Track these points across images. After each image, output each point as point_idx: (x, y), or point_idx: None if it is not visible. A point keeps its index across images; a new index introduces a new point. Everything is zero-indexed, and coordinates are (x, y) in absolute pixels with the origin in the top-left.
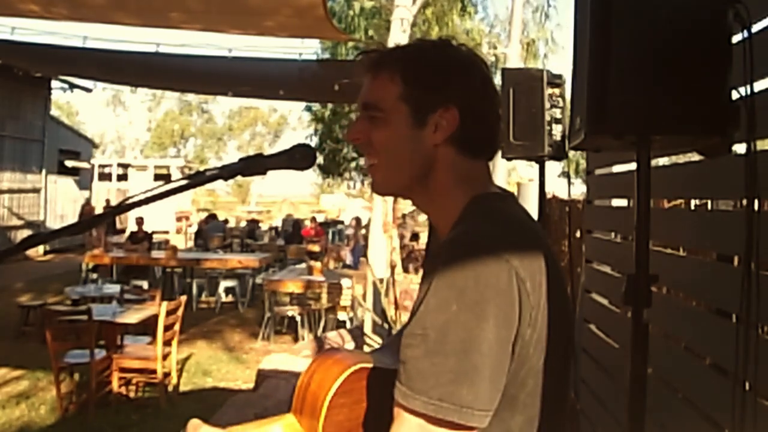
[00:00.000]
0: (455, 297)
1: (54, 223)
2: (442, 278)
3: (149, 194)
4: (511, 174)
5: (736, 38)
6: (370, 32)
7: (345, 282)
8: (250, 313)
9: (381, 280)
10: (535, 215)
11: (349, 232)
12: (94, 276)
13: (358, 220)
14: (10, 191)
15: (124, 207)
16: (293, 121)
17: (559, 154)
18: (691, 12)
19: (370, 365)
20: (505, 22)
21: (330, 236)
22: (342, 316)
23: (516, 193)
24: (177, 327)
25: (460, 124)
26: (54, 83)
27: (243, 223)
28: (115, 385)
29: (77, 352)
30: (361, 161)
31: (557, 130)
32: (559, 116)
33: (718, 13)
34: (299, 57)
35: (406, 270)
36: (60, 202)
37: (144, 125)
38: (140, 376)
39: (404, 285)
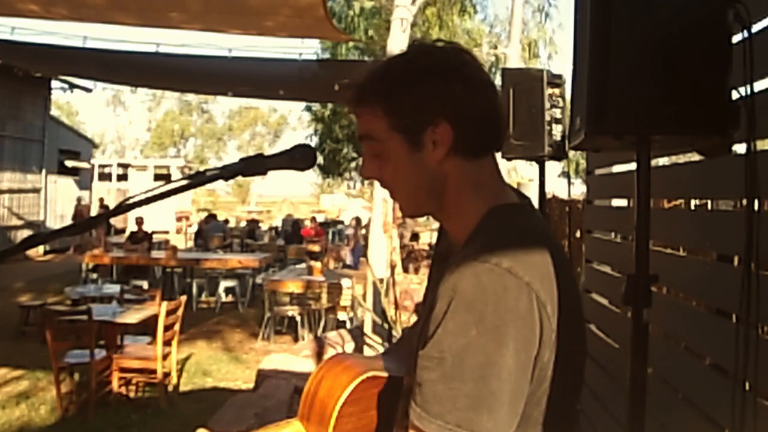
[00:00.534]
0: (474, 321)
1: (54, 223)
2: (460, 299)
3: (149, 194)
4: (511, 174)
5: (736, 38)
6: (370, 32)
7: (345, 282)
8: (250, 313)
9: (381, 280)
10: None
11: (349, 232)
12: (94, 276)
13: (358, 220)
14: (10, 191)
15: (124, 207)
16: (293, 121)
17: (559, 154)
18: (691, 12)
19: (380, 373)
20: (505, 22)
21: (330, 236)
22: (342, 316)
23: None
24: (177, 327)
25: (455, 134)
26: (54, 83)
27: (243, 223)
28: (115, 385)
29: (77, 352)
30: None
31: (557, 130)
32: (559, 116)
33: (718, 13)
34: (299, 57)
35: (406, 270)
36: (60, 202)
37: (144, 125)
38: (140, 376)
39: (404, 285)
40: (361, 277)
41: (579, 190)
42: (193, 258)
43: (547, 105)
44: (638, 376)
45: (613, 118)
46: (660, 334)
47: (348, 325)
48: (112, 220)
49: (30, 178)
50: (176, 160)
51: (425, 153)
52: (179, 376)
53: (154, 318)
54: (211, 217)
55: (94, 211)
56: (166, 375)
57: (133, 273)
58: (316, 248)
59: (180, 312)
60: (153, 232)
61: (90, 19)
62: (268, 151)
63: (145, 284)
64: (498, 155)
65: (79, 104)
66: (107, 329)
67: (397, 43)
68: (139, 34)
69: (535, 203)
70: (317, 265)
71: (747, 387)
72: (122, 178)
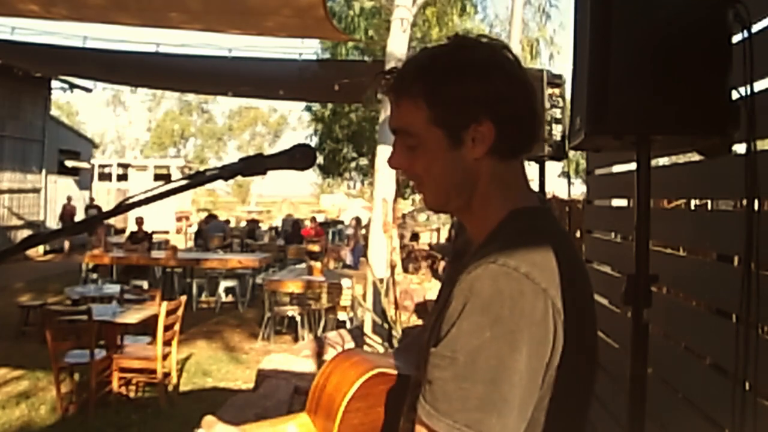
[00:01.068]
0: (489, 324)
1: (54, 223)
2: (476, 301)
3: (149, 194)
4: None
5: (736, 38)
6: (370, 32)
7: (345, 282)
8: (250, 313)
9: (381, 280)
10: None
11: (349, 232)
12: (94, 276)
13: (358, 220)
14: (10, 191)
15: (123, 207)
16: (293, 121)
17: (559, 154)
18: (691, 12)
19: (389, 371)
20: (505, 22)
21: (330, 236)
22: (342, 316)
23: None
24: (177, 327)
25: (497, 134)
26: (54, 83)
27: (243, 223)
28: (115, 385)
29: (77, 352)
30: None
31: (557, 130)
32: (559, 116)
33: (718, 13)
34: (299, 57)
35: (406, 270)
36: (60, 202)
37: (144, 125)
38: (140, 376)
39: (404, 285)
40: (361, 277)
41: (579, 190)
42: (193, 258)
43: (547, 105)
44: (638, 376)
45: (613, 118)
46: (660, 334)
47: (348, 325)
48: (112, 220)
49: (30, 178)
50: (176, 160)
51: (464, 150)
52: (179, 376)
53: (154, 318)
54: (211, 217)
55: (80, 211)
56: (166, 375)
57: (133, 273)
58: (316, 248)
59: (180, 312)
60: (153, 232)
61: (90, 19)
62: (268, 151)
63: (145, 284)
64: None
65: (79, 104)
66: (107, 329)
67: (397, 43)
68: (139, 34)
69: None
70: (317, 265)
71: (747, 387)
72: (122, 178)
